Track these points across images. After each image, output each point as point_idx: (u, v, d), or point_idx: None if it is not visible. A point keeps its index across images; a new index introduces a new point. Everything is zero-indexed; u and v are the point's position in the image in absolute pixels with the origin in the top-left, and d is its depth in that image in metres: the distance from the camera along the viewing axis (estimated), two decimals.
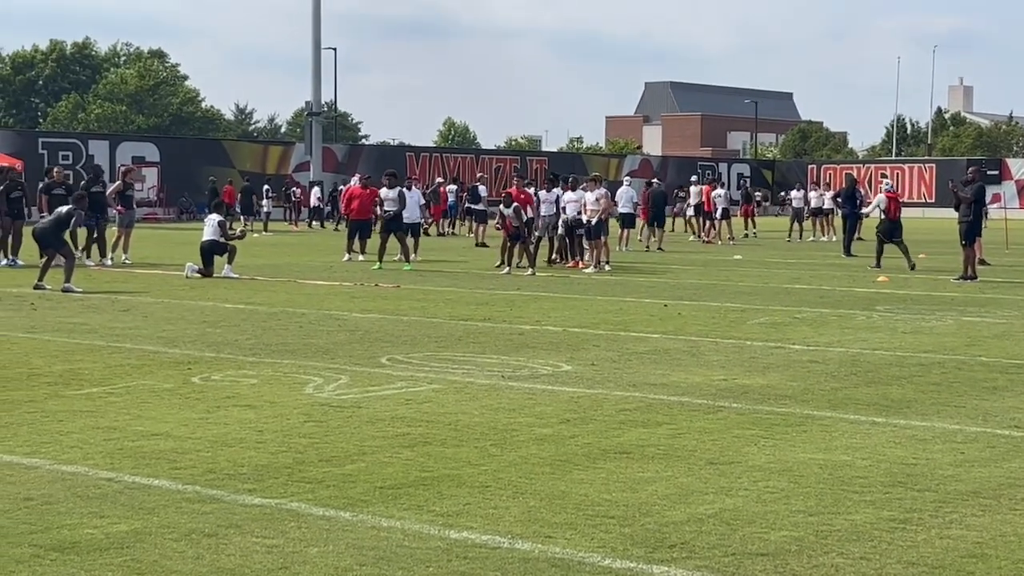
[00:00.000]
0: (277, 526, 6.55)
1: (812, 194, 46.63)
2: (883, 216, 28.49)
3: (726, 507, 7.04)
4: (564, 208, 28.64)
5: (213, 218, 25.16)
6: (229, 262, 24.43)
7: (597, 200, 27.14)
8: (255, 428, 9.14)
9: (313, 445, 8.57)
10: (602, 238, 27.22)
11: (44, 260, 21.56)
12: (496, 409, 10.06)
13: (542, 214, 28.49)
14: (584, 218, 27.20)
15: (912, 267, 27.13)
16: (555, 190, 28.89)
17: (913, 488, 7.51)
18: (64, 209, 21.99)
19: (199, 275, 24.05)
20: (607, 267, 27.22)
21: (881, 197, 28.98)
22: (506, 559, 6.02)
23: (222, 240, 24.63)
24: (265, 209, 51.83)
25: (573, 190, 28.91)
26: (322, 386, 11.08)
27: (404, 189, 30.11)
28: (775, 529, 6.59)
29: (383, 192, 29.15)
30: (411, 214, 31.02)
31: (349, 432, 9.04)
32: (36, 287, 20.60)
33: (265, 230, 48.69)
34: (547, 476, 7.76)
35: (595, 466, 8.05)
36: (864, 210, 34.39)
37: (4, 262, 26.84)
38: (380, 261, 27.32)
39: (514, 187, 29.47)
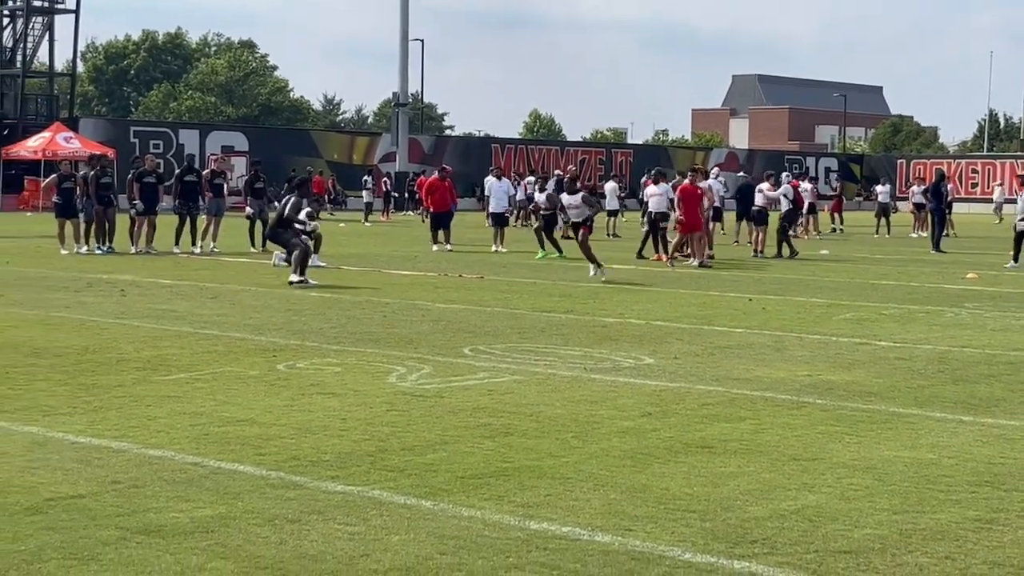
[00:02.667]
0: (359, 513, 6.60)
1: (914, 188, 45.52)
2: (791, 205, 30.84)
3: (809, 504, 6.98)
4: (647, 202, 28.56)
5: (306, 208, 25.40)
6: (315, 251, 24.64)
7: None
8: (339, 416, 9.22)
9: (395, 434, 8.63)
10: (706, 230, 27.15)
11: (295, 254, 20.85)
12: (578, 401, 10.05)
13: (650, 208, 28.32)
14: (674, 214, 27.03)
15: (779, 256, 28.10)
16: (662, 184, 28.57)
17: (1000, 488, 7.40)
18: (287, 202, 21.96)
19: (286, 264, 24.27)
20: (709, 261, 27.04)
21: (787, 187, 31.80)
22: (585, 551, 6.02)
23: (308, 230, 24.78)
24: (365, 199, 51.58)
25: (656, 184, 28.78)
26: (405, 375, 11.15)
27: (491, 179, 30.32)
28: (859, 527, 6.53)
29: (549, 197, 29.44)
30: (498, 204, 31.21)
31: (431, 421, 9.08)
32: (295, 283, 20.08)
33: (366, 220, 48.64)
34: (628, 469, 7.74)
35: (676, 460, 8.02)
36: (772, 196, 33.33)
37: (98, 249, 27.29)
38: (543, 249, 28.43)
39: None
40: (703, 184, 27.36)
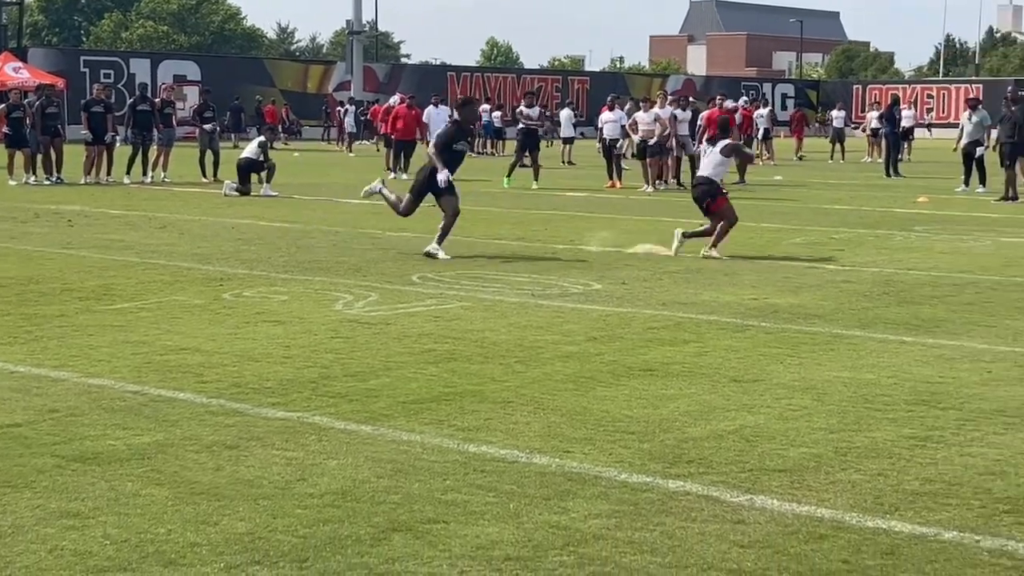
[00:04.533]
0: (298, 439, 6.60)
1: (872, 114, 45.26)
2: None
3: (747, 424, 7.03)
4: (602, 128, 28.48)
5: (259, 138, 25.40)
6: (267, 181, 24.56)
7: (655, 121, 26.70)
8: (282, 343, 9.20)
9: (339, 360, 8.62)
10: (658, 159, 27.02)
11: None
12: (524, 327, 10.06)
13: (605, 135, 28.21)
14: (636, 138, 26.91)
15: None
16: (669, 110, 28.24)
17: (937, 406, 7.47)
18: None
19: (237, 193, 24.14)
20: (662, 187, 27.09)
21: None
22: (523, 473, 6.04)
23: (260, 159, 24.73)
24: (349, 129, 50.05)
25: (611, 110, 28.71)
26: (352, 303, 11.12)
27: (431, 107, 30.13)
28: (795, 446, 6.58)
29: (526, 110, 29.28)
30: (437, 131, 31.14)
31: (375, 348, 9.07)
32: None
33: (349, 150, 47.64)
34: (570, 393, 7.77)
35: (618, 383, 8.05)
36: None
37: (46, 180, 27.03)
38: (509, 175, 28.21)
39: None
40: (656, 111, 27.15)
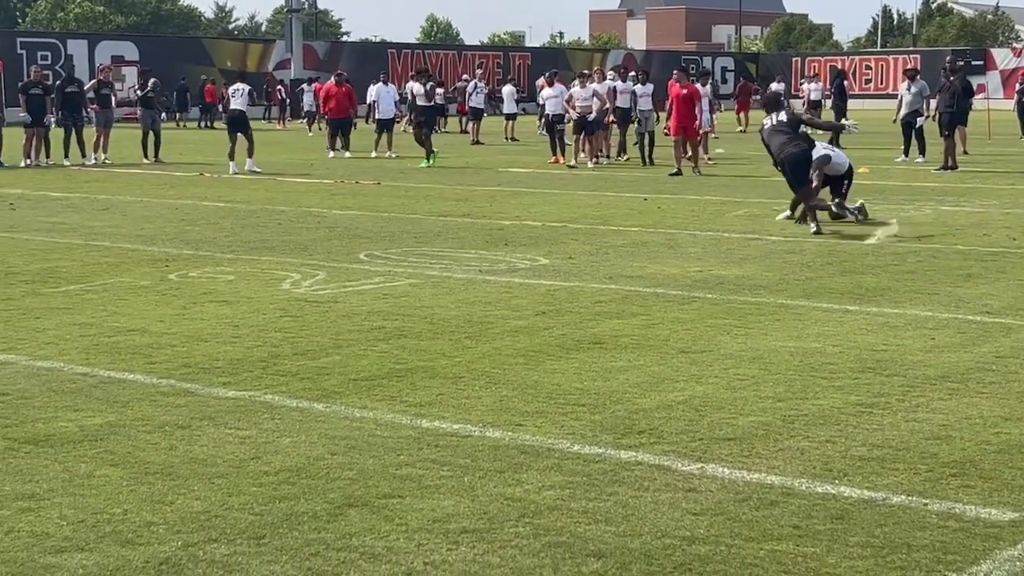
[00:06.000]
0: (250, 418, 6.60)
1: (812, 86, 45.39)
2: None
3: (696, 394, 7.11)
4: (544, 104, 28.48)
5: (244, 88, 25.67)
6: (251, 155, 24.77)
7: (593, 96, 26.70)
8: (231, 323, 9.18)
9: (288, 339, 8.61)
10: (598, 133, 27.09)
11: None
12: (472, 302, 10.10)
13: (547, 110, 27.98)
14: (574, 115, 26.87)
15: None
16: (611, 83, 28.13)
17: (882, 373, 7.59)
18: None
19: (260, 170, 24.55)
20: (604, 161, 27.22)
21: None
22: (476, 447, 6.09)
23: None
24: (307, 108, 47.22)
25: (551, 85, 28.74)
26: (299, 282, 11.11)
27: (380, 84, 29.91)
28: (743, 415, 6.67)
29: (415, 88, 28.41)
30: (387, 110, 30.89)
31: (325, 326, 9.08)
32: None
33: (310, 130, 46.35)
34: (520, 367, 7.82)
35: (568, 356, 8.11)
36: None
37: None
38: (428, 158, 26.96)
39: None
40: (595, 86, 27.17)
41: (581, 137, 26.96)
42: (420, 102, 28.01)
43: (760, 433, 6.32)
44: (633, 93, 27.98)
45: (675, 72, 26.92)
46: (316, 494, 5.37)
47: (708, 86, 30.72)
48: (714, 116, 41.54)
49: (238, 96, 25.65)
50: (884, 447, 6.07)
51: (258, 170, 24.83)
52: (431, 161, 26.85)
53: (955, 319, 9.33)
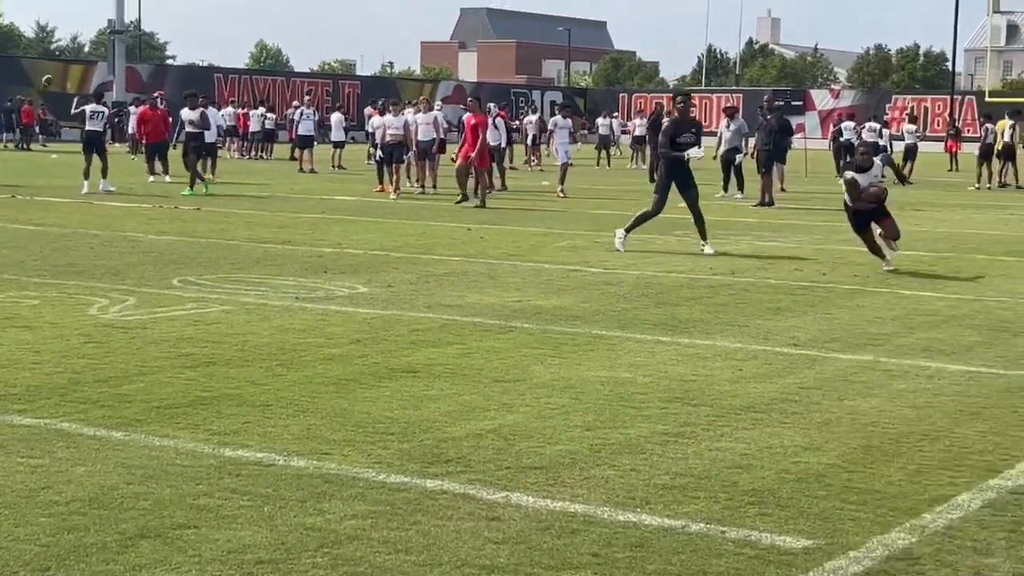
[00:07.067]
0: (44, 446, 6.36)
1: (637, 121, 46.23)
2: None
3: (506, 423, 7.09)
4: (374, 133, 28.47)
5: (103, 110, 25.80)
6: (104, 176, 24.96)
7: (404, 125, 26.83)
8: (31, 349, 8.86)
9: (91, 366, 8.35)
10: (405, 161, 27.25)
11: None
12: (286, 330, 9.94)
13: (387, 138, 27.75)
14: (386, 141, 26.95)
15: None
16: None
17: (689, 403, 7.68)
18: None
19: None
20: (424, 190, 27.44)
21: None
22: (279, 476, 5.96)
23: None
24: (131, 129, 47.25)
25: (382, 114, 28.71)
26: (107, 307, 10.80)
27: (206, 110, 29.40)
28: (552, 443, 6.67)
29: (184, 113, 28.08)
30: (207, 133, 30.43)
31: (131, 353, 8.83)
32: None
33: (134, 153, 44.75)
34: (331, 395, 7.70)
35: (381, 385, 8.02)
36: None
37: None
38: (192, 186, 26.08)
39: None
40: (421, 117, 27.39)
41: (393, 166, 26.79)
42: (188, 128, 27.42)
43: (567, 462, 6.32)
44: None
45: (468, 100, 27.55)
46: (108, 525, 5.19)
47: (568, 119, 31.07)
48: (539, 148, 42.13)
49: (98, 118, 26.06)
50: (687, 476, 6.13)
51: (112, 189, 25.33)
52: (195, 190, 25.72)
53: (763, 351, 9.51)
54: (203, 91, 48.23)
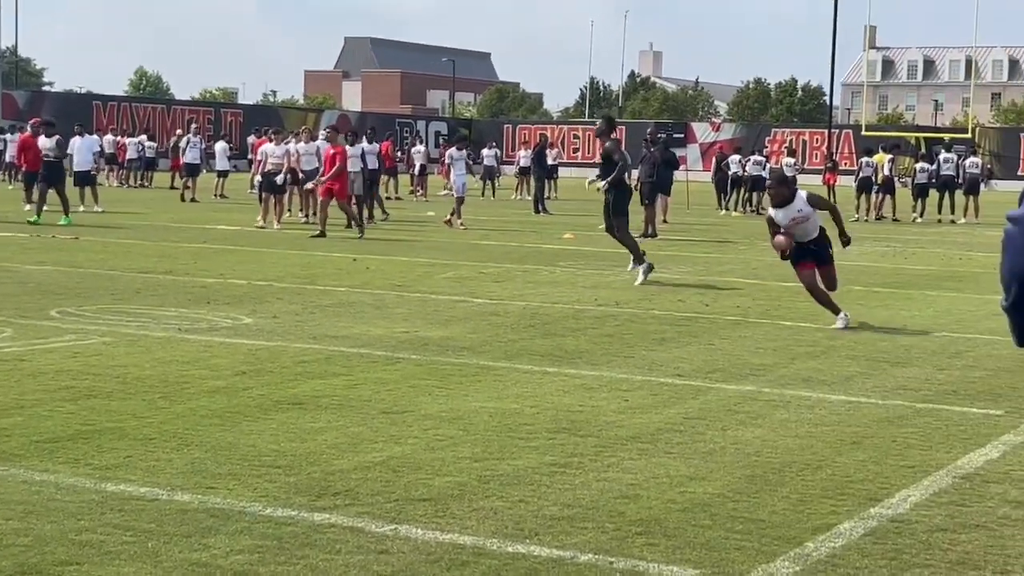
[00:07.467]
0: None
1: (521, 153, 46.53)
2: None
3: (394, 455, 7.06)
4: (263, 162, 28.26)
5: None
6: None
7: (284, 155, 26.71)
8: None
9: None
10: (287, 191, 27.14)
11: None
12: (169, 362, 9.80)
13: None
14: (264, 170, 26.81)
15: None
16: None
17: (576, 434, 7.72)
18: None
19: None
20: (308, 220, 27.39)
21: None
22: (163, 511, 5.87)
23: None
24: (8, 159, 43.32)
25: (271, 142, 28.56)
26: None
27: (76, 137, 28.83)
28: (440, 475, 6.66)
29: (40, 141, 26.97)
30: (83, 161, 29.90)
31: (8, 386, 8.63)
32: None
33: (10, 181, 42.90)
34: (215, 428, 7.61)
35: (266, 417, 7.95)
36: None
37: None
38: (39, 214, 25.22)
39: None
40: (303, 146, 27.41)
41: (273, 197, 26.47)
42: (45, 156, 26.25)
43: (455, 493, 6.31)
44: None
45: (326, 130, 27.74)
46: None
47: (463, 151, 30.97)
48: (426, 179, 42.14)
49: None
50: (575, 506, 6.16)
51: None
52: (40, 218, 25.04)
53: (648, 381, 9.60)
54: (81, 118, 47.77)
